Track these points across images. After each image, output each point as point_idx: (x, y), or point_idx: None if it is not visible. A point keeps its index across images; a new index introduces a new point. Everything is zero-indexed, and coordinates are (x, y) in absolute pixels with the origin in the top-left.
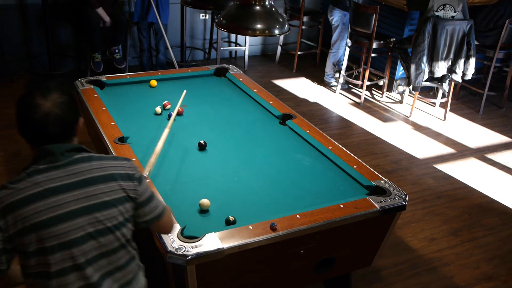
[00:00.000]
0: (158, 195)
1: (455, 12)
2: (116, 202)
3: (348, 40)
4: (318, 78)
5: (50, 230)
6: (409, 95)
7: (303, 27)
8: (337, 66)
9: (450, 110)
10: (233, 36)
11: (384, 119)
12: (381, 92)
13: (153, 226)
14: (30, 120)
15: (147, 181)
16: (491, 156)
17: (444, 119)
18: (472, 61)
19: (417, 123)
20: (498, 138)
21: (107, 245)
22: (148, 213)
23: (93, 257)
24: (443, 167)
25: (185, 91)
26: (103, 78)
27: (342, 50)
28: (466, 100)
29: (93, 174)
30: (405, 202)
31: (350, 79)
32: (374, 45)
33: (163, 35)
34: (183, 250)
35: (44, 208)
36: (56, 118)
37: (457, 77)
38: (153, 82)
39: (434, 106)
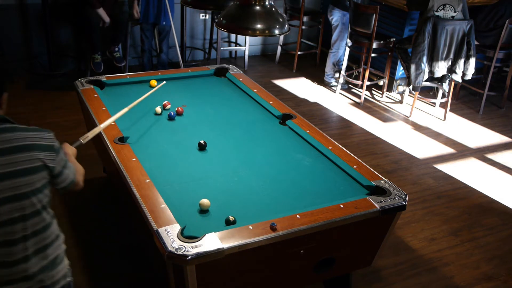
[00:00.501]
0: (71, 162)
1: (455, 12)
2: (34, 170)
3: (348, 40)
4: (318, 78)
5: None
6: (409, 95)
7: (303, 27)
8: (337, 66)
9: (450, 110)
10: (233, 36)
11: (384, 119)
12: (381, 92)
13: (69, 188)
14: None
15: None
16: (491, 156)
17: (444, 119)
18: (472, 61)
19: (417, 123)
20: (498, 138)
21: (24, 209)
22: (64, 180)
23: (9, 219)
24: (443, 167)
25: (164, 82)
26: (103, 78)
27: (342, 50)
28: (466, 100)
29: (14, 143)
30: (405, 202)
31: (350, 79)
32: (374, 45)
33: (167, 35)
34: (183, 250)
35: None
36: None
37: (457, 77)
38: (153, 82)
39: (434, 106)
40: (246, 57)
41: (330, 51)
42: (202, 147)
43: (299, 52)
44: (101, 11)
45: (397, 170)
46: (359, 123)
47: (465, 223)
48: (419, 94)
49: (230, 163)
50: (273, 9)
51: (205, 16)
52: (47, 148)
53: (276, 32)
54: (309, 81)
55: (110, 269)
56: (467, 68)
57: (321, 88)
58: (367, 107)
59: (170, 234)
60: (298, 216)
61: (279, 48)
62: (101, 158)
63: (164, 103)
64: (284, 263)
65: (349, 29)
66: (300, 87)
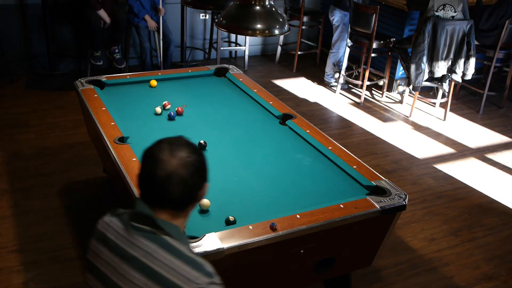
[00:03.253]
0: None
1: (455, 12)
2: None
3: (348, 40)
4: (318, 78)
5: (90, 277)
6: (409, 95)
7: (303, 27)
8: (337, 66)
9: (450, 110)
10: (233, 36)
11: (384, 119)
12: (381, 92)
13: None
14: (152, 175)
15: None
16: (491, 156)
17: (444, 119)
18: (472, 61)
19: (417, 123)
20: (498, 138)
21: None
22: None
23: None
24: (443, 167)
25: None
26: (103, 78)
27: (342, 50)
28: (466, 100)
29: (148, 262)
30: (405, 202)
31: (350, 79)
32: (374, 45)
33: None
34: None
35: (95, 251)
36: (180, 180)
37: (457, 77)
38: (153, 82)
39: (434, 106)
40: (246, 57)
41: (331, 51)
42: (202, 147)
43: (299, 52)
44: (102, 12)
45: (397, 170)
46: (359, 123)
47: (465, 223)
48: (419, 94)
49: (230, 163)
50: (273, 9)
51: (205, 16)
52: None
53: (276, 32)
54: (309, 81)
55: None
56: (467, 68)
57: (321, 88)
58: (367, 107)
59: None
60: (298, 216)
61: (279, 48)
62: (101, 158)
63: (164, 103)
64: (284, 263)
65: (349, 29)
66: (300, 87)
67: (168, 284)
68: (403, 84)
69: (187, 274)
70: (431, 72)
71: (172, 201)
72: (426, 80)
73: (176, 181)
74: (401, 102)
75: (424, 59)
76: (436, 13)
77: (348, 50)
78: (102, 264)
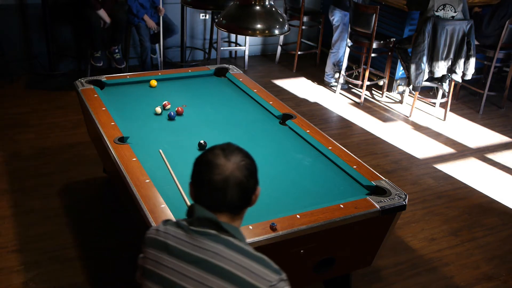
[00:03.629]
0: None
1: (455, 12)
2: None
3: (348, 40)
4: (318, 78)
5: (152, 286)
6: (409, 95)
7: (303, 27)
8: (337, 66)
9: (450, 110)
10: (233, 36)
11: (384, 119)
12: (381, 92)
13: None
14: (209, 181)
15: None
16: (491, 156)
17: (444, 119)
18: (472, 61)
19: (417, 123)
20: (498, 138)
21: None
22: None
23: None
24: (443, 167)
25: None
26: (103, 78)
27: (342, 50)
28: (466, 100)
29: (219, 263)
30: (405, 202)
31: (350, 79)
32: (374, 45)
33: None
34: None
35: (156, 259)
36: (237, 182)
37: (457, 77)
38: (153, 82)
39: (434, 106)
40: (246, 57)
41: (331, 51)
42: (202, 147)
43: (299, 52)
44: (102, 12)
45: (397, 170)
46: (359, 123)
47: (465, 223)
48: (419, 94)
49: None
50: (273, 9)
51: (205, 16)
52: None
53: (276, 32)
54: (309, 81)
55: (110, 269)
56: (467, 68)
57: (321, 88)
58: (367, 107)
59: None
60: (298, 216)
61: (279, 48)
62: (101, 158)
63: (164, 103)
64: (284, 263)
65: (349, 29)
66: (300, 87)
67: (242, 283)
68: (403, 84)
69: (258, 272)
70: (431, 72)
71: (231, 204)
72: (426, 80)
73: (233, 184)
74: (401, 102)
75: (424, 59)
76: (436, 13)
77: (348, 50)
78: (167, 272)
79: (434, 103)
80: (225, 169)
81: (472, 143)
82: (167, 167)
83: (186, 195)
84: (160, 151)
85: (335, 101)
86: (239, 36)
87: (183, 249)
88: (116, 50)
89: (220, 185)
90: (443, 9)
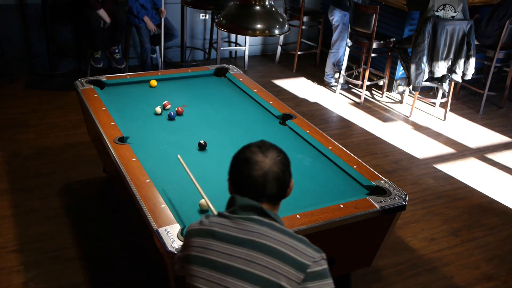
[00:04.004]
0: None
1: (455, 12)
2: (268, 285)
3: (348, 40)
4: (318, 78)
5: (200, 270)
6: (409, 95)
7: (303, 27)
8: (337, 66)
9: (450, 110)
10: (233, 36)
11: (384, 119)
12: (381, 92)
13: None
14: (249, 176)
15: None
16: (491, 156)
17: (444, 119)
18: (472, 61)
19: (417, 123)
20: (498, 138)
21: None
22: None
23: None
24: (443, 167)
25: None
26: (103, 78)
27: (342, 50)
28: (466, 100)
29: (265, 241)
30: (405, 202)
31: (350, 79)
32: (374, 45)
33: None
34: None
35: (202, 246)
36: (275, 176)
37: (457, 77)
38: (153, 82)
39: (434, 106)
40: (246, 57)
41: (330, 51)
42: (202, 147)
43: (299, 52)
44: (102, 12)
45: (397, 170)
46: (359, 123)
47: (465, 223)
48: (419, 94)
49: None
50: (273, 9)
51: (205, 16)
52: (299, 266)
53: (276, 32)
54: (309, 81)
55: (110, 269)
56: (467, 68)
57: (321, 88)
58: (367, 107)
59: (170, 234)
60: (298, 216)
61: (279, 48)
62: (101, 158)
63: (164, 103)
64: None
65: (349, 29)
66: (300, 87)
67: (288, 258)
68: (403, 84)
69: (303, 250)
70: (431, 72)
71: (270, 196)
72: (426, 80)
73: (271, 178)
74: (401, 102)
75: (424, 59)
76: (436, 13)
77: (348, 50)
78: (214, 254)
79: (434, 103)
80: (264, 165)
81: (472, 143)
82: (187, 173)
83: (207, 199)
84: (179, 156)
85: (335, 101)
86: (239, 36)
87: (229, 233)
88: (116, 50)
89: (260, 180)
90: (443, 9)
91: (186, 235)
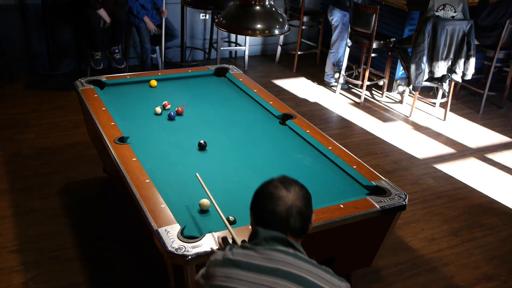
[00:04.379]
0: None
1: (455, 12)
2: None
3: (348, 40)
4: (318, 78)
5: None
6: (409, 95)
7: (303, 27)
8: (337, 66)
9: (450, 110)
10: (233, 36)
11: (384, 119)
12: (381, 92)
13: None
14: (273, 211)
15: None
16: (491, 156)
17: (444, 119)
18: (472, 61)
19: (417, 123)
20: (498, 138)
21: None
22: None
23: None
24: (443, 167)
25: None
26: (103, 78)
27: (342, 50)
28: (466, 100)
29: (291, 270)
30: (405, 202)
31: (350, 79)
32: (374, 45)
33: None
34: (183, 250)
35: (226, 275)
36: (298, 211)
37: (457, 77)
38: (153, 82)
39: (434, 106)
40: (246, 57)
41: (330, 51)
42: (202, 147)
43: (299, 52)
44: (102, 12)
45: (397, 170)
46: (359, 123)
47: (465, 223)
48: (419, 94)
49: (230, 163)
50: (273, 9)
51: (205, 16)
52: None
53: (276, 32)
54: (309, 81)
55: (110, 268)
56: (467, 68)
57: (321, 88)
58: (367, 107)
59: (170, 234)
60: None
61: (279, 48)
62: (101, 158)
63: (164, 103)
64: None
65: (349, 29)
66: (300, 87)
67: (314, 287)
68: (403, 84)
69: (329, 279)
70: (431, 72)
71: (294, 230)
72: (426, 80)
73: (295, 213)
74: (401, 102)
75: (424, 59)
76: (436, 13)
77: (348, 50)
78: (238, 283)
79: (434, 103)
80: (287, 200)
81: (472, 143)
82: (206, 192)
83: (231, 228)
84: (197, 174)
85: (335, 101)
86: (239, 36)
87: (254, 262)
88: (116, 50)
89: (284, 214)
90: (443, 9)
91: (208, 265)
